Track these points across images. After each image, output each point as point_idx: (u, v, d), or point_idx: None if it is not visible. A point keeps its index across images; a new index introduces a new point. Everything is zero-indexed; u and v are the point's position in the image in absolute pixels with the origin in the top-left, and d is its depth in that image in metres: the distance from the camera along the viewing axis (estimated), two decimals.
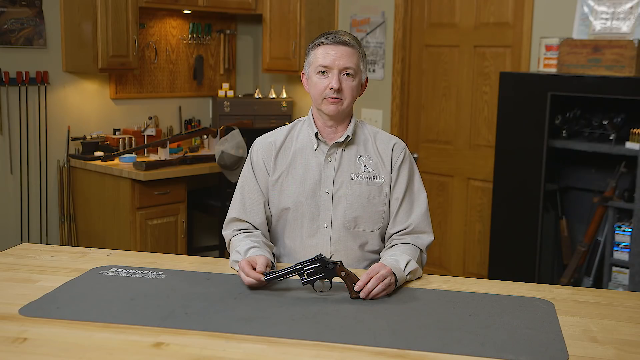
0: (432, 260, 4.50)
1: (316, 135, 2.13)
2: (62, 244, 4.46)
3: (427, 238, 2.13)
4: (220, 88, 5.22)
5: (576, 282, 3.67)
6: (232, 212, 2.17)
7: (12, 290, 1.83)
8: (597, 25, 3.59)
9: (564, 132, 3.61)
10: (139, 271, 2.00)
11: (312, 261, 1.85)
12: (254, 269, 1.86)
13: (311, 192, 2.11)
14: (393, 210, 2.13)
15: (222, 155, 4.17)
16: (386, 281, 1.83)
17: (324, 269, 1.84)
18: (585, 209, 3.76)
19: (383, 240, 2.17)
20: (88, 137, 4.46)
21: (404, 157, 2.15)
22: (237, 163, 4.18)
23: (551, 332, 1.63)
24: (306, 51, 2.14)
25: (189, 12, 4.90)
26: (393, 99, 4.64)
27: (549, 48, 3.66)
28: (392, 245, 2.10)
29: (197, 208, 4.61)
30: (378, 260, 2.07)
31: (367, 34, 4.76)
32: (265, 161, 2.16)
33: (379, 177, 2.12)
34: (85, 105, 4.54)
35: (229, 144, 4.18)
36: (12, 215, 4.29)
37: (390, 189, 2.13)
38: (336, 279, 1.85)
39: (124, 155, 4.24)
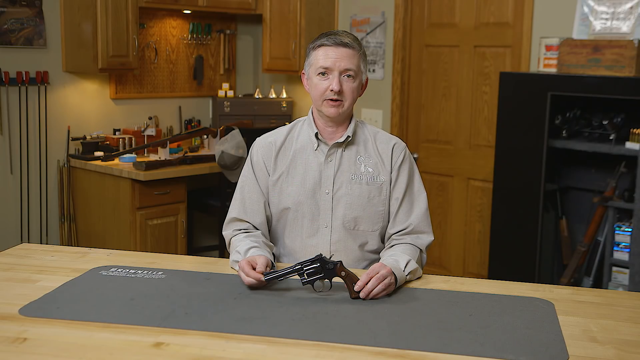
0: (432, 260, 4.50)
1: (316, 135, 2.13)
2: (62, 244, 4.46)
3: (427, 238, 2.13)
4: (220, 88, 5.21)
5: (576, 282, 3.67)
6: (232, 212, 2.17)
7: (12, 290, 1.83)
8: (597, 25, 3.59)
9: (564, 132, 3.61)
10: (139, 271, 2.00)
11: (312, 261, 1.85)
12: (254, 269, 1.86)
13: (311, 192, 2.11)
14: (393, 210, 2.13)
15: (222, 155, 4.17)
16: (386, 281, 1.83)
17: (324, 269, 1.84)
18: (585, 209, 3.76)
19: (383, 241, 2.17)
20: (88, 137, 4.46)
21: (404, 157, 2.15)
22: (237, 163, 4.18)
23: (551, 332, 1.63)
24: (306, 51, 2.13)
25: (189, 12, 4.90)
26: (393, 99, 4.64)
27: (549, 48, 3.66)
28: (392, 245, 2.10)
29: (197, 208, 4.61)
30: (378, 260, 2.07)
31: (367, 34, 4.75)
32: (266, 161, 2.16)
33: (379, 177, 2.12)
34: (85, 105, 4.54)
35: (229, 144, 4.18)
36: (12, 215, 4.29)
37: (390, 189, 2.13)
38: (336, 279, 1.85)
39: (124, 155, 4.24)
